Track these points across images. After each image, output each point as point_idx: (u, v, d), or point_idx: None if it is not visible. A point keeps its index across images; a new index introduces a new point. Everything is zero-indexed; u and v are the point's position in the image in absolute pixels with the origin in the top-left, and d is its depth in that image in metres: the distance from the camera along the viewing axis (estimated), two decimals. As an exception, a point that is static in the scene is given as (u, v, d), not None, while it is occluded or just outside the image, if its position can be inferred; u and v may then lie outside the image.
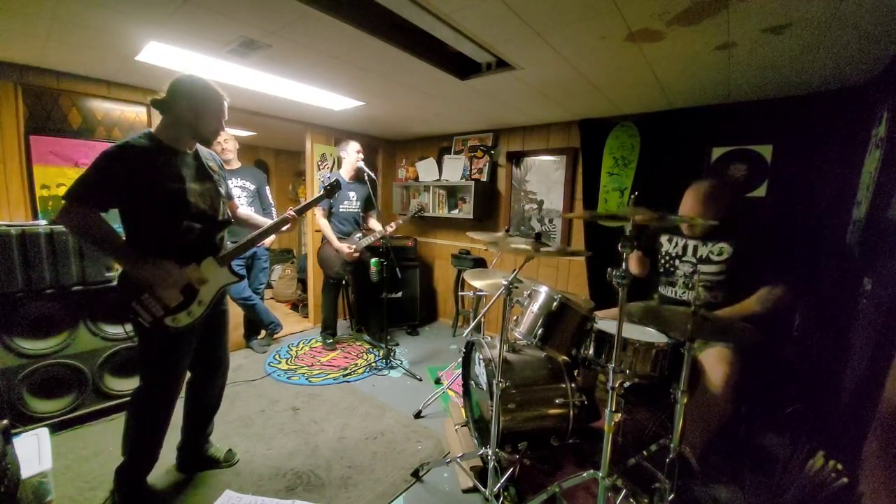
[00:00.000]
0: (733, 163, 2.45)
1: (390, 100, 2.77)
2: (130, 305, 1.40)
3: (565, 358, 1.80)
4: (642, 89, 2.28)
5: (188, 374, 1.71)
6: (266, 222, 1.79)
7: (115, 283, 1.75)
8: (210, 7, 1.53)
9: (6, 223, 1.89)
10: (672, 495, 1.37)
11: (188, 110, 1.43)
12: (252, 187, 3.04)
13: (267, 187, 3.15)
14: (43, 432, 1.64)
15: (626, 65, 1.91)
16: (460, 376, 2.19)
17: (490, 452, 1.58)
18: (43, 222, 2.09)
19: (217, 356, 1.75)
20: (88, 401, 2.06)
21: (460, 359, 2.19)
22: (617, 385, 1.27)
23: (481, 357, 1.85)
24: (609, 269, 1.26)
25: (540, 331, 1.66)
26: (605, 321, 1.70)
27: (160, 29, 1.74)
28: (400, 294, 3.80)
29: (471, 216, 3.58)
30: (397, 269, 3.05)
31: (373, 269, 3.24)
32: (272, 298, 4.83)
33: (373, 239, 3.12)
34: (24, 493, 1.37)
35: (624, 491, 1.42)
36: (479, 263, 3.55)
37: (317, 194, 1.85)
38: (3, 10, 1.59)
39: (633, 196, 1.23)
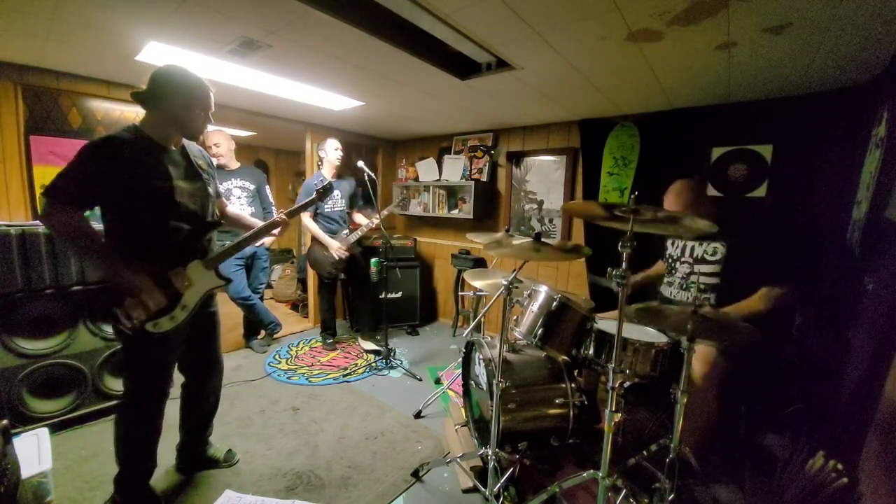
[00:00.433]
0: (733, 163, 2.45)
1: (390, 100, 2.76)
2: (112, 311, 1.33)
3: (565, 358, 1.80)
4: (642, 89, 2.28)
5: (182, 378, 1.70)
6: (256, 223, 1.74)
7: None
8: (210, 7, 1.53)
9: (6, 223, 1.89)
10: (672, 495, 1.37)
11: (173, 103, 1.35)
12: (252, 187, 3.04)
13: (267, 187, 3.15)
14: (43, 432, 1.64)
15: (626, 65, 1.91)
16: (460, 376, 2.19)
17: (490, 452, 1.58)
18: (43, 222, 2.09)
19: (209, 359, 1.71)
20: (88, 401, 2.06)
21: (460, 359, 2.19)
22: (617, 385, 1.27)
23: (481, 357, 1.85)
24: (609, 269, 1.26)
25: (540, 331, 1.66)
26: (605, 321, 1.70)
27: (160, 29, 1.74)
28: (400, 294, 3.81)
29: (471, 216, 3.58)
30: (394, 269, 3.04)
31: (373, 269, 3.24)
32: (272, 298, 4.83)
33: (359, 233, 3.12)
34: (24, 493, 1.37)
35: (624, 491, 1.42)
36: (479, 263, 3.55)
37: (304, 198, 1.86)
38: (3, 10, 1.59)
39: (633, 196, 1.23)
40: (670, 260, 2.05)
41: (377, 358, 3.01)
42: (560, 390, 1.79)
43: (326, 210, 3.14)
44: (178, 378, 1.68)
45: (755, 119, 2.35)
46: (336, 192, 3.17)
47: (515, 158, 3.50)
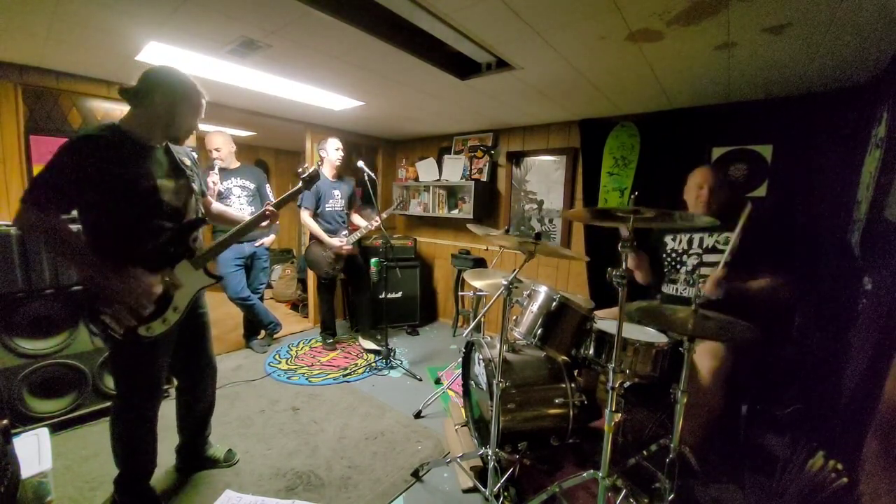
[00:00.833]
0: (733, 163, 2.45)
1: (390, 100, 2.76)
2: (99, 318, 1.29)
3: (565, 358, 1.80)
4: (642, 89, 2.28)
5: (176, 381, 1.69)
6: (242, 218, 1.70)
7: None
8: (210, 7, 1.53)
9: (6, 223, 1.89)
10: (672, 495, 1.37)
11: (162, 105, 1.32)
12: (252, 186, 3.04)
13: (267, 185, 3.15)
14: (43, 432, 1.64)
15: (626, 65, 1.91)
16: (460, 376, 2.19)
17: (490, 452, 1.58)
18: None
19: (201, 361, 1.69)
20: (88, 401, 2.06)
21: (460, 359, 2.19)
22: (617, 385, 1.27)
23: (481, 357, 1.84)
24: (609, 269, 1.26)
25: (539, 331, 1.66)
26: (605, 321, 1.70)
27: (160, 28, 1.74)
28: (400, 294, 3.81)
29: (471, 216, 3.58)
30: (394, 269, 3.04)
31: (373, 269, 3.24)
32: (272, 298, 4.83)
33: (359, 235, 3.13)
34: (24, 493, 1.37)
35: (624, 491, 1.41)
36: (479, 263, 3.55)
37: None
38: (3, 10, 1.59)
39: (633, 196, 1.23)
40: (673, 255, 2.03)
41: (377, 358, 3.01)
42: (560, 390, 1.79)
43: (327, 209, 3.14)
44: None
45: (755, 119, 2.34)
46: (336, 193, 3.17)
47: (515, 158, 3.50)
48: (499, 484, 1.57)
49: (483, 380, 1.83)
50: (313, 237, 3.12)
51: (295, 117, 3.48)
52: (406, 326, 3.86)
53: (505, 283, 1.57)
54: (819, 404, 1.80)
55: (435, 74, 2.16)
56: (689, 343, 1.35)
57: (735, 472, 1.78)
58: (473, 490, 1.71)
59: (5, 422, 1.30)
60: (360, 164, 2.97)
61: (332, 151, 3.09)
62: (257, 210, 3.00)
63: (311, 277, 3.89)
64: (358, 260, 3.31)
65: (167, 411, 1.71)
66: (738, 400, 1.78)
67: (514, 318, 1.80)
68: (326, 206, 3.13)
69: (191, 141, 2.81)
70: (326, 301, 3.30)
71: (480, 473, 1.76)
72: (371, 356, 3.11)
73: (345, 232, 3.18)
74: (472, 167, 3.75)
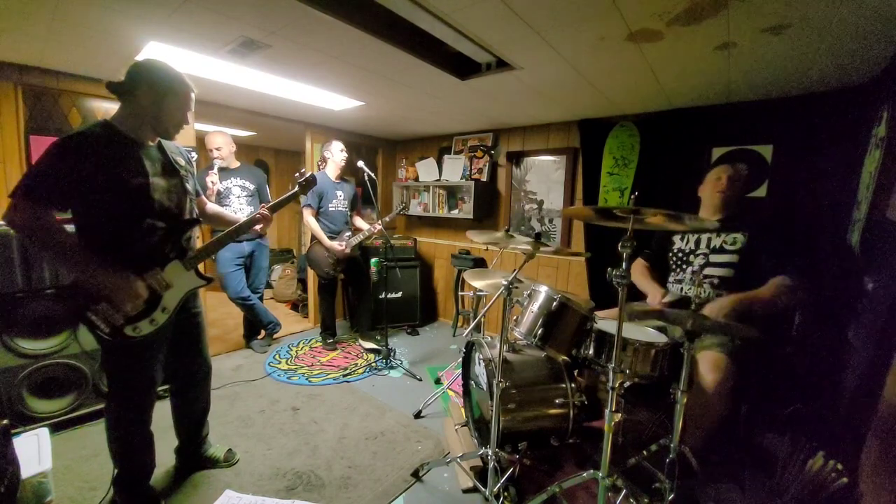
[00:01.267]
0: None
1: (390, 100, 2.77)
2: (86, 315, 1.28)
3: (565, 358, 1.80)
4: (642, 89, 2.28)
5: (170, 383, 1.68)
6: (237, 220, 1.69)
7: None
8: (210, 7, 1.53)
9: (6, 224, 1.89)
10: (672, 495, 1.37)
11: (148, 99, 1.30)
12: (252, 186, 3.04)
13: (266, 186, 3.16)
14: (43, 432, 1.64)
15: (626, 65, 1.91)
16: (460, 376, 2.19)
17: (490, 452, 1.58)
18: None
19: (195, 362, 1.68)
20: (88, 401, 2.06)
21: (460, 359, 2.19)
22: (617, 385, 1.27)
23: (481, 357, 1.85)
24: (609, 269, 1.26)
25: (540, 331, 1.66)
26: (605, 321, 1.70)
27: (160, 28, 1.74)
28: (400, 294, 3.81)
29: (471, 216, 3.58)
30: (394, 269, 3.04)
31: (373, 269, 3.25)
32: (272, 298, 4.83)
33: (361, 237, 3.13)
34: (24, 493, 1.37)
35: (624, 491, 1.42)
36: (479, 263, 3.55)
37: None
38: (3, 10, 1.59)
39: (633, 196, 1.23)
40: (680, 255, 2.03)
41: (377, 358, 3.01)
42: (560, 390, 1.79)
43: (330, 209, 3.14)
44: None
45: (755, 119, 2.35)
46: (339, 193, 3.18)
47: (515, 158, 3.50)
48: (499, 484, 1.57)
49: (483, 380, 1.83)
50: (314, 237, 3.13)
51: (295, 117, 3.48)
52: (406, 326, 3.86)
53: (505, 283, 1.57)
54: (819, 404, 1.80)
55: (435, 74, 2.16)
56: (688, 343, 1.35)
57: (735, 472, 1.78)
58: (473, 490, 1.72)
59: (5, 422, 1.30)
60: (361, 164, 2.98)
61: (337, 153, 3.12)
62: (256, 210, 3.03)
63: (311, 277, 3.90)
64: (358, 260, 3.32)
65: (166, 412, 1.72)
66: (739, 400, 1.78)
67: (515, 318, 1.80)
68: (329, 205, 3.14)
69: (190, 140, 2.82)
70: (326, 301, 3.30)
71: (480, 473, 1.76)
72: (371, 356, 3.11)
73: (348, 233, 3.19)
74: (472, 167, 3.75)
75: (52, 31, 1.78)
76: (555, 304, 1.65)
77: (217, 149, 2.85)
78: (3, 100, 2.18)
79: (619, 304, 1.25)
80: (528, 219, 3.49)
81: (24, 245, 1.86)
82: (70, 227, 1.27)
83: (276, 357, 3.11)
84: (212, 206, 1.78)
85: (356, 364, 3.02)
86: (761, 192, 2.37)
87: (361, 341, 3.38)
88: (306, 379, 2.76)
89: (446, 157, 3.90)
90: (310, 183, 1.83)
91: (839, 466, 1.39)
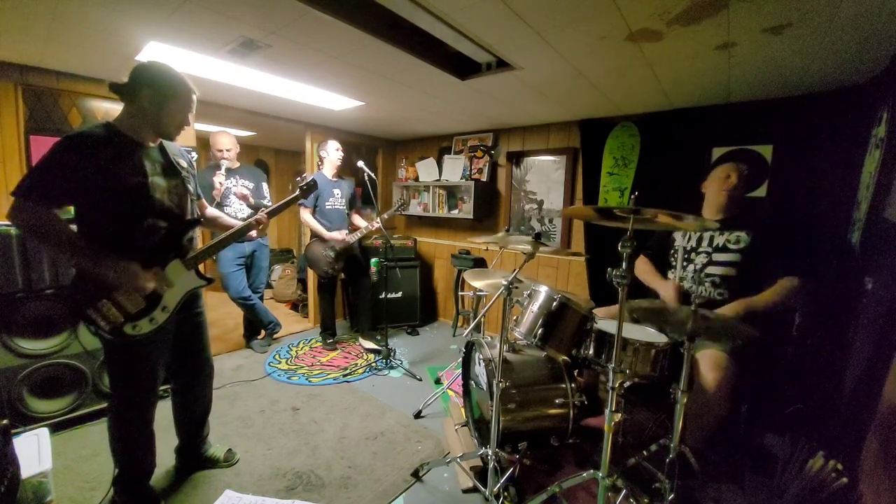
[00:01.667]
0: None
1: (390, 100, 2.77)
2: (85, 313, 1.28)
3: (565, 358, 1.80)
4: (642, 89, 2.28)
5: (171, 382, 1.68)
6: (236, 223, 1.70)
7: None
8: (210, 7, 1.53)
9: (6, 223, 1.88)
10: (672, 495, 1.37)
11: (150, 101, 1.32)
12: (251, 185, 3.05)
13: (264, 184, 3.16)
14: (43, 432, 1.64)
15: (626, 65, 1.91)
16: (460, 376, 2.19)
17: (490, 452, 1.58)
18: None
19: (197, 362, 1.68)
20: (88, 401, 2.06)
21: (460, 359, 2.19)
22: (617, 385, 1.27)
23: (481, 357, 1.85)
24: (609, 269, 1.26)
25: (540, 331, 1.66)
26: (605, 321, 1.70)
27: (160, 28, 1.74)
28: (400, 294, 3.81)
29: (471, 216, 3.58)
30: (394, 269, 3.04)
31: (373, 269, 3.25)
32: (272, 298, 4.83)
33: (359, 235, 3.14)
34: (24, 493, 1.37)
35: (624, 491, 1.42)
36: (479, 263, 3.55)
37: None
38: (3, 10, 1.59)
39: (633, 196, 1.23)
40: (681, 252, 2.03)
41: (377, 358, 3.01)
42: (560, 390, 1.79)
43: (326, 207, 3.14)
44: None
45: (755, 119, 2.34)
46: (336, 191, 3.19)
47: (515, 158, 3.50)
48: (499, 484, 1.57)
49: (483, 380, 1.83)
50: (314, 235, 3.13)
51: (295, 117, 3.48)
52: (406, 326, 3.86)
53: (505, 283, 1.57)
54: (819, 404, 1.80)
55: (435, 74, 2.16)
56: (688, 343, 1.35)
57: (735, 472, 1.78)
58: (473, 490, 1.72)
59: (5, 422, 1.29)
60: (360, 164, 2.98)
61: (333, 152, 3.13)
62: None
63: (311, 277, 3.89)
64: (358, 259, 3.32)
65: (166, 411, 1.72)
66: (739, 400, 1.78)
67: (515, 318, 1.80)
68: (326, 204, 3.14)
69: (190, 140, 2.82)
70: (326, 301, 3.30)
71: (480, 473, 1.76)
72: (371, 356, 3.11)
73: (345, 231, 3.19)
74: (472, 167, 3.75)
75: (52, 30, 1.78)
76: (555, 303, 1.65)
77: (227, 150, 2.87)
78: (3, 100, 2.18)
79: (619, 305, 1.25)
80: (528, 219, 3.49)
81: (24, 245, 1.86)
82: (73, 227, 1.28)
83: (277, 357, 3.11)
84: (211, 210, 1.78)
85: (356, 364, 3.02)
86: (761, 192, 2.37)
87: (361, 341, 3.38)
88: (306, 379, 2.76)
89: (446, 157, 3.90)
90: (311, 188, 1.84)
91: (839, 466, 1.39)
